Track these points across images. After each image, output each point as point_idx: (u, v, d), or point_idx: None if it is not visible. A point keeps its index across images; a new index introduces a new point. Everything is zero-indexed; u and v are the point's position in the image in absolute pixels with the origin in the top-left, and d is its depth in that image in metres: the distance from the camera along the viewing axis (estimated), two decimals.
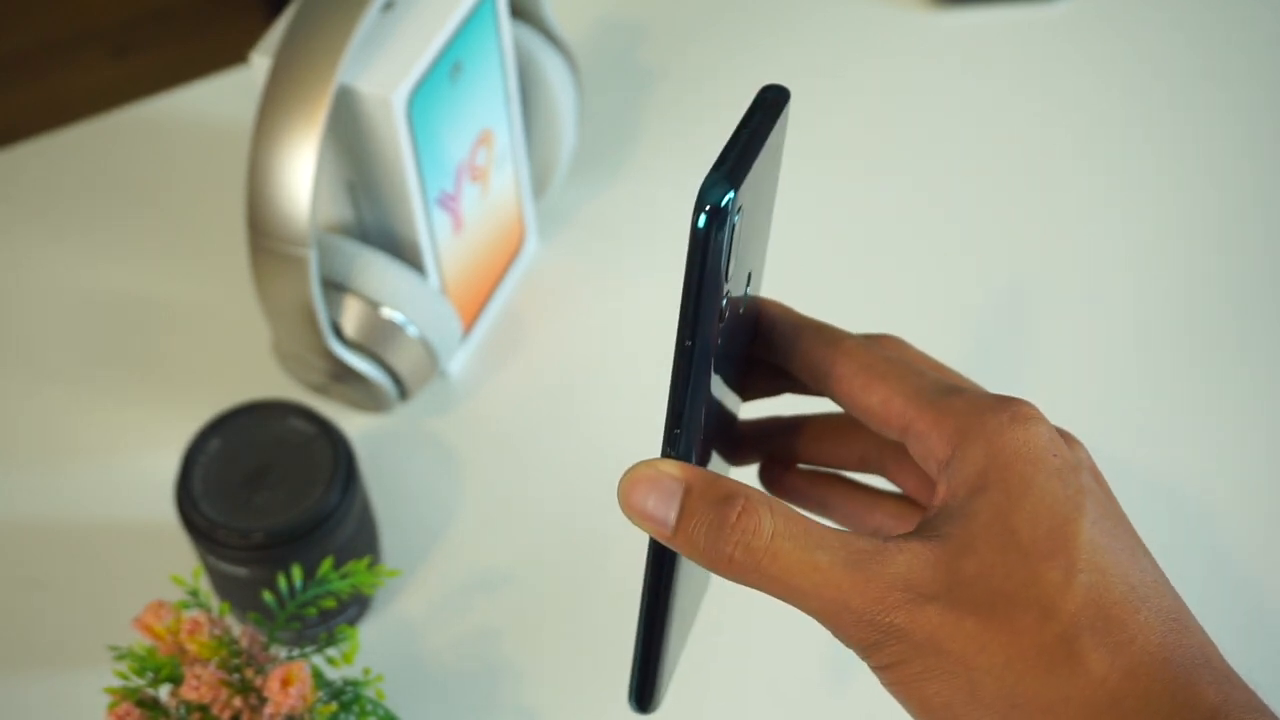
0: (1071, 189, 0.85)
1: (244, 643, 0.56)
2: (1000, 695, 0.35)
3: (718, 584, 0.45)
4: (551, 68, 0.76)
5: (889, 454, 0.45)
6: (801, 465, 0.48)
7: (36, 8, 1.76)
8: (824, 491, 0.47)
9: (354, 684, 0.59)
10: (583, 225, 0.83)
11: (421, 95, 0.64)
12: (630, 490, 0.37)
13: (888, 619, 0.36)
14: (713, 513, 0.37)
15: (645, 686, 0.40)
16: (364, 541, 0.67)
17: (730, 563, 0.37)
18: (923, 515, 0.40)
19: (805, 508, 0.47)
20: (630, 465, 0.38)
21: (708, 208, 0.34)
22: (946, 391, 0.41)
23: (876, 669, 0.37)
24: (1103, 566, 0.37)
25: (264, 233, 0.64)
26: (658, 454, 0.38)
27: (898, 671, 0.36)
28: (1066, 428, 0.42)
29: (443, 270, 0.72)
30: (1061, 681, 0.35)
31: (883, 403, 0.41)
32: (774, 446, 0.48)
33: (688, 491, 0.37)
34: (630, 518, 0.37)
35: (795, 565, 0.36)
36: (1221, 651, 0.37)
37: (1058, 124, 0.88)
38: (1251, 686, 0.36)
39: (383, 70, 0.63)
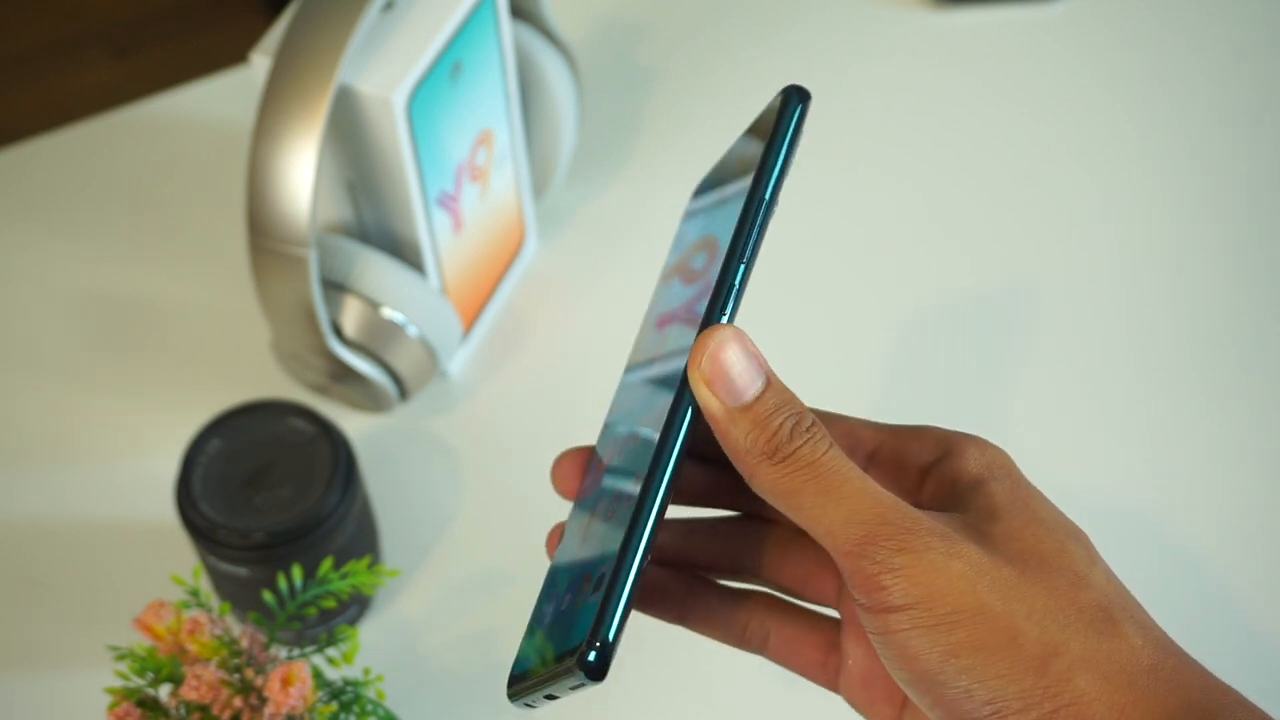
0: (1070, 189, 0.85)
1: (244, 643, 0.56)
2: (1042, 643, 0.34)
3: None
4: (551, 68, 0.76)
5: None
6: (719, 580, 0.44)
7: (36, 8, 1.76)
8: (762, 618, 0.42)
9: (354, 684, 0.59)
10: (583, 225, 0.83)
11: (421, 95, 0.64)
12: (719, 349, 0.36)
13: (925, 544, 0.35)
14: (790, 409, 0.36)
15: (608, 630, 0.35)
16: (364, 541, 0.67)
17: (790, 457, 0.35)
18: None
19: (730, 639, 0.43)
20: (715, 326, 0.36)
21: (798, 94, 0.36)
22: (909, 426, 0.41)
23: (892, 611, 0.35)
24: (1105, 565, 0.38)
25: (264, 233, 0.64)
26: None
27: (919, 613, 0.34)
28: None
29: (443, 270, 0.72)
30: (1102, 640, 0.35)
31: (846, 433, 0.41)
32: (685, 554, 0.44)
33: (769, 382, 0.36)
34: (697, 373, 0.36)
35: (845, 478, 0.35)
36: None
37: (1057, 124, 0.88)
38: None
39: (383, 70, 0.63)
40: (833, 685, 0.42)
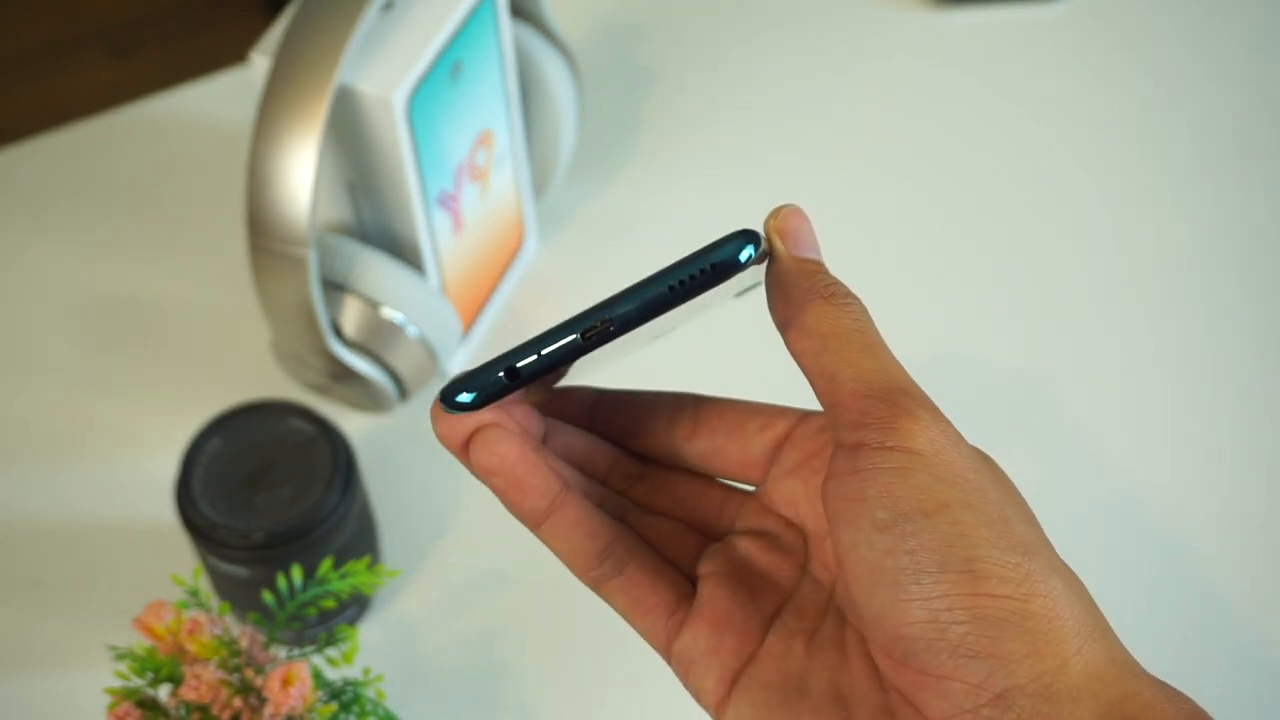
0: (1070, 188, 0.85)
1: (244, 643, 0.56)
2: (1028, 537, 0.34)
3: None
4: (551, 68, 0.76)
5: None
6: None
7: (36, 8, 1.76)
8: (629, 544, 0.41)
9: (354, 684, 0.59)
10: (583, 225, 0.83)
11: (421, 95, 0.64)
12: (791, 213, 0.38)
13: (944, 419, 0.35)
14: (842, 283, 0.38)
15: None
16: (364, 541, 0.67)
17: (845, 304, 0.37)
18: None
19: (584, 558, 0.40)
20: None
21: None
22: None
23: (898, 450, 0.34)
24: None
25: (264, 233, 0.64)
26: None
27: (926, 460, 0.34)
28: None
29: (443, 270, 0.72)
30: (1048, 552, 0.35)
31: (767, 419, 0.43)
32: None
33: (823, 261, 0.38)
34: (771, 220, 0.38)
35: (884, 346, 0.37)
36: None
37: (1057, 123, 0.88)
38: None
39: (383, 70, 0.63)
40: (669, 639, 0.40)
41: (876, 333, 0.37)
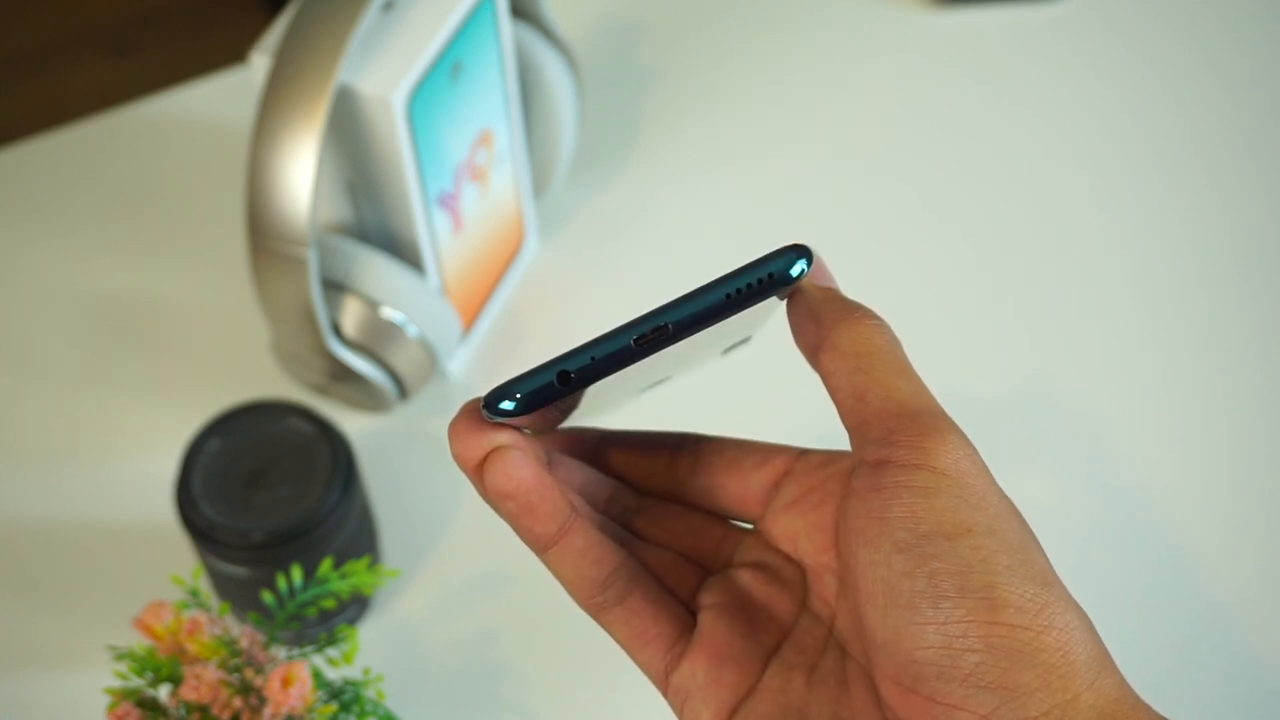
0: (1071, 189, 0.85)
1: (244, 643, 0.56)
2: (1043, 568, 0.34)
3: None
4: (551, 68, 0.76)
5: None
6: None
7: (36, 8, 1.76)
8: (633, 572, 0.40)
9: (354, 684, 0.59)
10: (583, 225, 0.83)
11: (421, 95, 0.64)
12: (821, 261, 0.39)
13: (971, 444, 0.35)
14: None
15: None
16: (364, 541, 0.67)
17: (874, 322, 0.37)
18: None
19: (588, 585, 0.39)
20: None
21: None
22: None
23: (922, 468, 0.34)
24: None
25: (264, 233, 0.64)
26: None
27: (952, 481, 0.34)
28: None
29: (443, 270, 0.72)
30: (1062, 585, 0.35)
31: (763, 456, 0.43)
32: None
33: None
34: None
35: (904, 360, 0.37)
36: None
37: (1057, 124, 0.88)
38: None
39: (383, 70, 0.63)
40: (666, 671, 0.39)
41: (906, 356, 0.37)
